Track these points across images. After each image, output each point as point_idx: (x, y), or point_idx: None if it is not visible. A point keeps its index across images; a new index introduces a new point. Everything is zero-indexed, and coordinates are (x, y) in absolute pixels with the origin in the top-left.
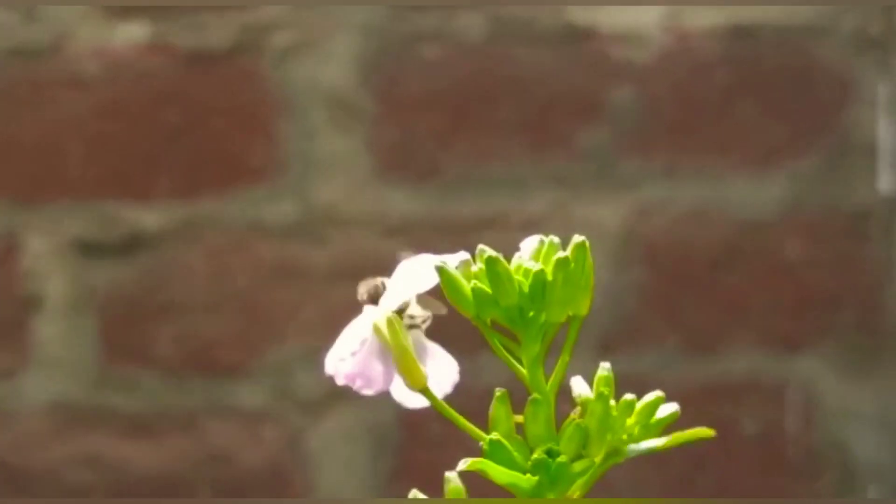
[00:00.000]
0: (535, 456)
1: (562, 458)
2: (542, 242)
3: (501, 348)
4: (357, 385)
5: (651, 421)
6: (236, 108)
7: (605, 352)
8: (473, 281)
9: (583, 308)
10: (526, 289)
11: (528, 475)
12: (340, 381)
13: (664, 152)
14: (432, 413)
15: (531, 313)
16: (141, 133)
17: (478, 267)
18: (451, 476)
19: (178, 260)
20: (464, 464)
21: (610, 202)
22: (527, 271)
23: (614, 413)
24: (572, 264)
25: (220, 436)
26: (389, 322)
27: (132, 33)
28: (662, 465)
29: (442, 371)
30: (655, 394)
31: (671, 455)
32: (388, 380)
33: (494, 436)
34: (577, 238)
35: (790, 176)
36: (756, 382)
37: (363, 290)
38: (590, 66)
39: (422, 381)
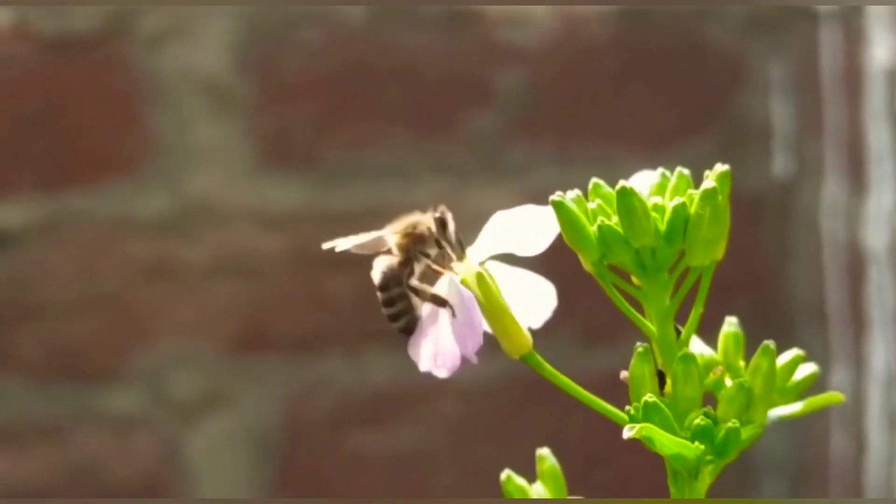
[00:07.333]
0: (696, 421)
1: (732, 423)
2: (664, 176)
3: (622, 299)
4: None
5: (788, 384)
6: (103, 97)
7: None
8: (600, 218)
9: (720, 251)
10: (663, 226)
11: (696, 443)
12: (444, 374)
13: (553, 138)
14: (318, 417)
15: (661, 257)
16: (0, 124)
17: (595, 204)
18: (546, 454)
19: (42, 259)
20: (630, 431)
21: (499, 189)
22: (657, 206)
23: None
24: (720, 196)
25: (89, 446)
26: (479, 277)
27: None
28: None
29: (534, 301)
30: (794, 352)
31: (569, 435)
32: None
33: (650, 397)
34: (720, 167)
35: (682, 161)
36: None
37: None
38: (476, 50)
39: (526, 344)
